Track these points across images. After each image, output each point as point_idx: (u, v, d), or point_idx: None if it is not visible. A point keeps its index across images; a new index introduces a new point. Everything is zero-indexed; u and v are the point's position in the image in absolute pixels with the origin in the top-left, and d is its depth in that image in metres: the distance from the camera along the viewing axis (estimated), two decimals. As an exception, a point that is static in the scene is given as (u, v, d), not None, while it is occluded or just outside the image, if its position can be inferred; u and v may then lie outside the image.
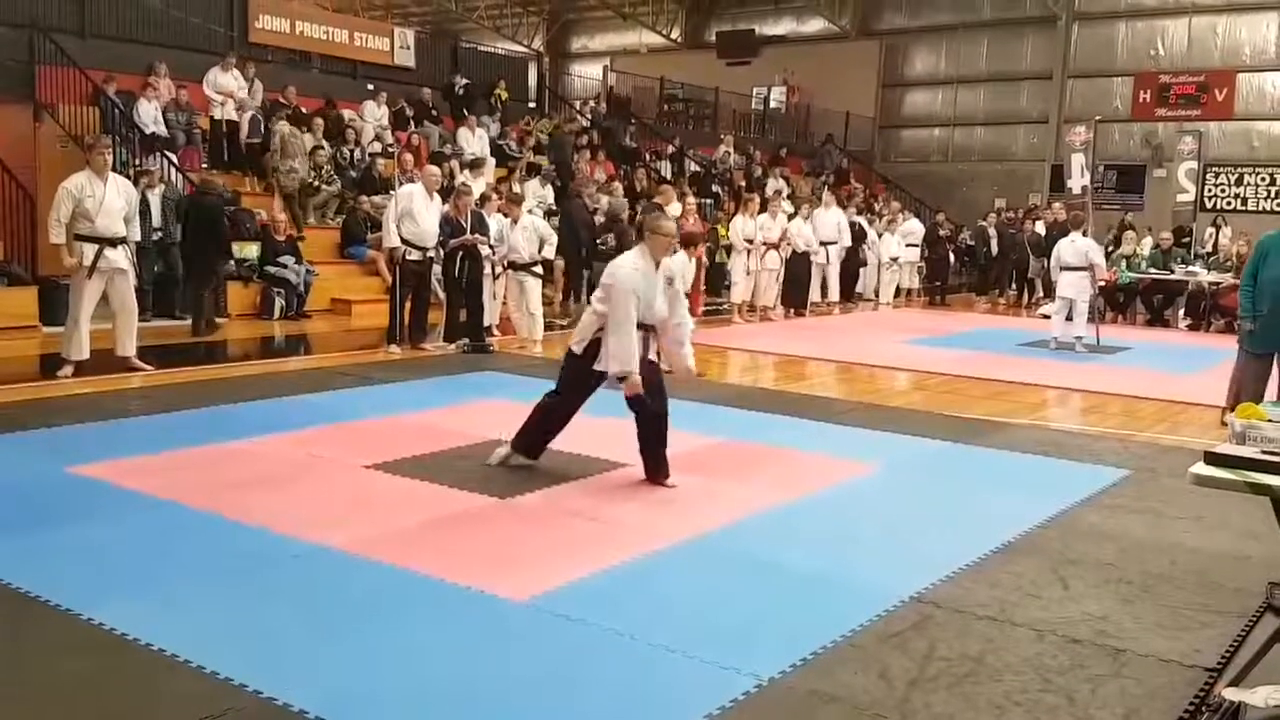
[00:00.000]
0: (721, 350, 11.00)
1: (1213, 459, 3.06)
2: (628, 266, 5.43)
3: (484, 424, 6.64)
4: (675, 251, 6.29)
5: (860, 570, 4.38)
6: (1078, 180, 14.40)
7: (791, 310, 14.23)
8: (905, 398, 8.81)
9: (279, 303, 11.87)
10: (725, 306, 14.31)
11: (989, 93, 23.92)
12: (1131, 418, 8.13)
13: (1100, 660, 3.52)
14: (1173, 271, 14.92)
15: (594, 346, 5.47)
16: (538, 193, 14.80)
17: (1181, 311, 14.98)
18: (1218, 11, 21.12)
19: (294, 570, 4.14)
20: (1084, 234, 11.87)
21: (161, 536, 4.46)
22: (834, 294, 15.32)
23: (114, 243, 8.09)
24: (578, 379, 5.61)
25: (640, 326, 5.41)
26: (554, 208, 14.33)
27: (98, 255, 8.00)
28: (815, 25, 25.80)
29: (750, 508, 5.19)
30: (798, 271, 14.06)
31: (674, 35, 27.45)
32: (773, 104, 25.59)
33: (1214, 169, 20.46)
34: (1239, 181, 20.78)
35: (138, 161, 12.19)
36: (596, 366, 5.45)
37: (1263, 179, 20.54)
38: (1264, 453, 2.95)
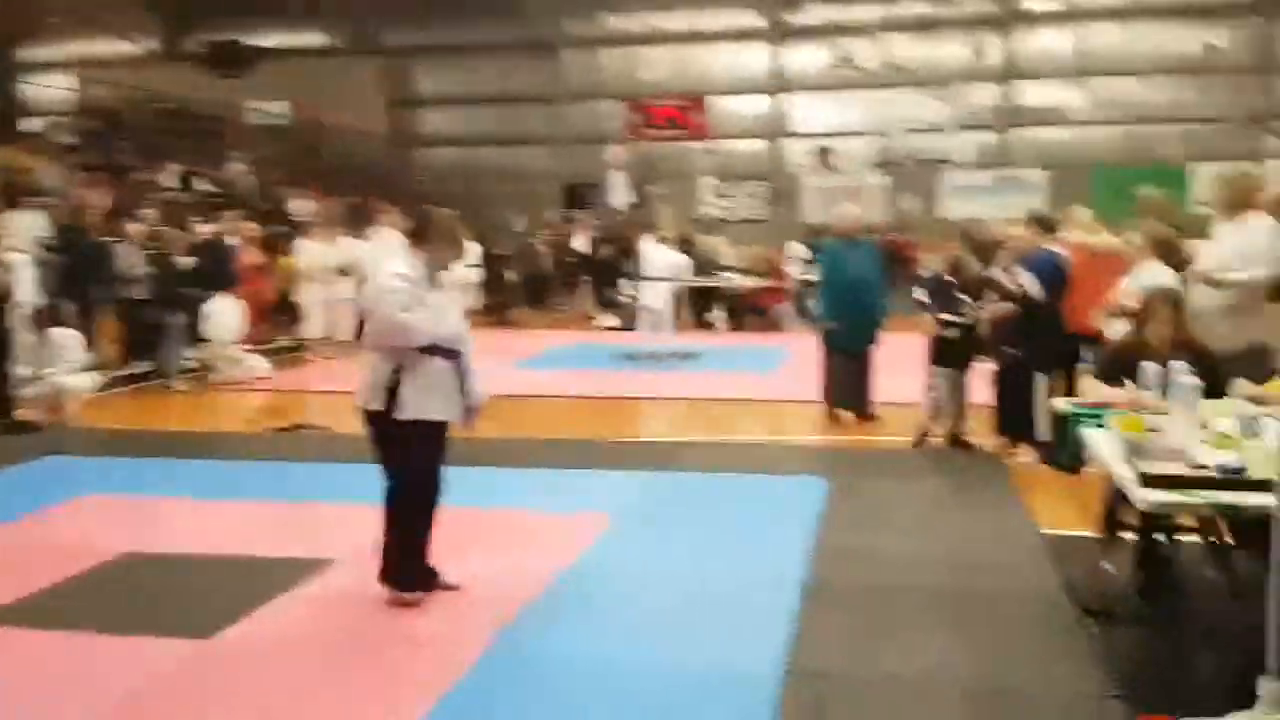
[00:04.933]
0: (305, 394, 9.77)
1: (1153, 481, 3.02)
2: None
3: (100, 532, 5.17)
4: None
5: (703, 655, 3.88)
6: (620, 197, 14.97)
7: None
8: (569, 427, 8.34)
9: None
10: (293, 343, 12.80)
11: (500, 114, 24.31)
12: (791, 420, 8.49)
13: (1042, 713, 3.39)
14: (714, 276, 16.11)
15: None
16: (31, 226, 12.11)
17: (720, 313, 16.17)
18: (691, 41, 23.37)
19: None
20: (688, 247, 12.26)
21: None
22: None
23: None
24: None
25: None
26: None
27: None
28: (314, 39, 24.43)
29: (522, 594, 4.46)
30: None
31: (151, 44, 24.43)
32: (280, 120, 23.77)
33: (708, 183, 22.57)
34: (721, 195, 23.13)
35: None
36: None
37: (748, 193, 23.03)
38: (1224, 472, 2.95)
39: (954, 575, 4.67)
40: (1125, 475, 3.22)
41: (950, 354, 7.13)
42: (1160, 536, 4.40)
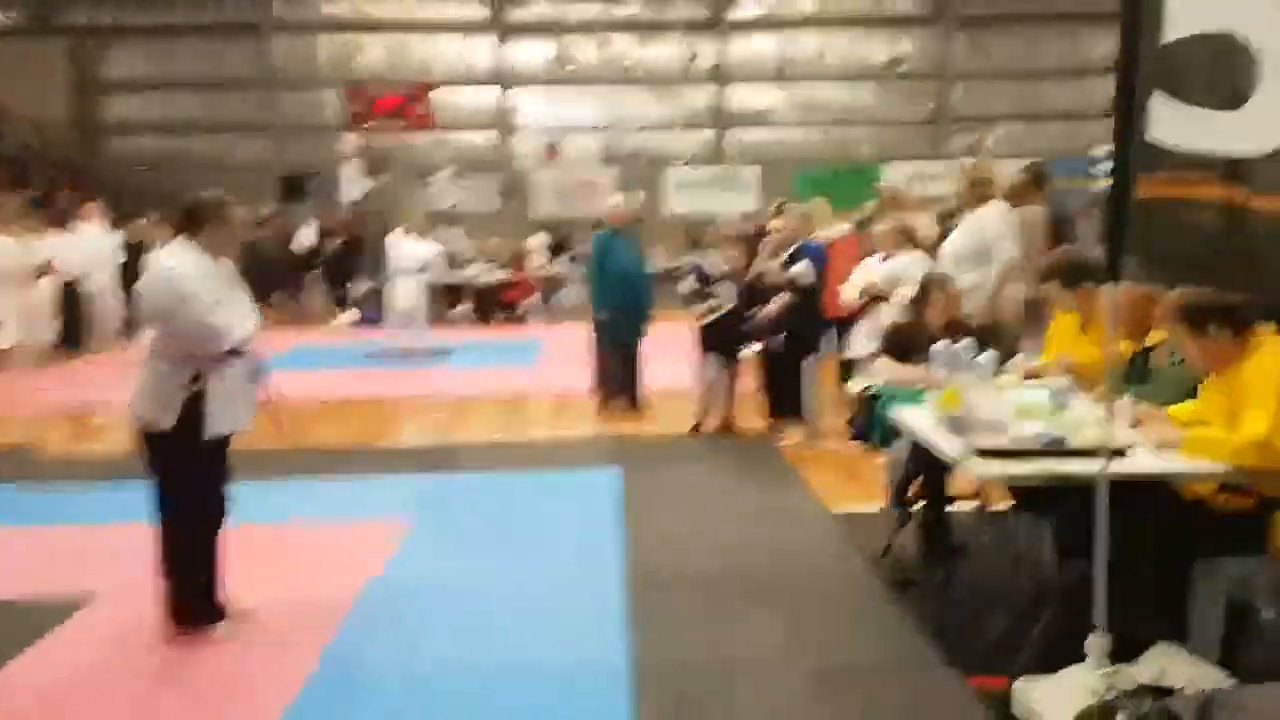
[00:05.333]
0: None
1: (988, 454, 3.23)
2: None
3: None
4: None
5: (546, 655, 3.79)
6: (353, 189, 14.37)
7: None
8: (341, 432, 7.83)
9: None
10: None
11: (204, 100, 22.57)
12: (565, 414, 8.41)
13: (886, 686, 3.53)
14: (464, 269, 15.73)
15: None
16: None
17: (466, 308, 15.82)
18: (411, 29, 22.77)
19: None
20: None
21: None
22: (112, 323, 13.03)
23: None
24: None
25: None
26: None
27: None
28: (-16, 15, 21.63)
29: (336, 612, 4.16)
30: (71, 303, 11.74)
31: None
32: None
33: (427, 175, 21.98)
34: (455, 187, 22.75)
35: None
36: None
37: (480, 186, 22.73)
38: (1047, 443, 3.19)
39: (763, 557, 4.81)
40: (951, 449, 3.43)
41: (718, 341, 7.35)
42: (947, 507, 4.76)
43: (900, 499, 4.69)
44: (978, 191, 6.32)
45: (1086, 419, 3.37)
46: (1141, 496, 3.26)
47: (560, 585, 4.47)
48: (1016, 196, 6.60)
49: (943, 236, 6.96)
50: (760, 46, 24.01)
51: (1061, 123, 23.47)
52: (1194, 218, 2.87)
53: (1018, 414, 3.51)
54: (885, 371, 4.55)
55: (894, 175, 23.59)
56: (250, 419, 4.00)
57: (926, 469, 4.66)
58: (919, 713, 3.36)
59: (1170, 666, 3.06)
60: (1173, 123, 2.82)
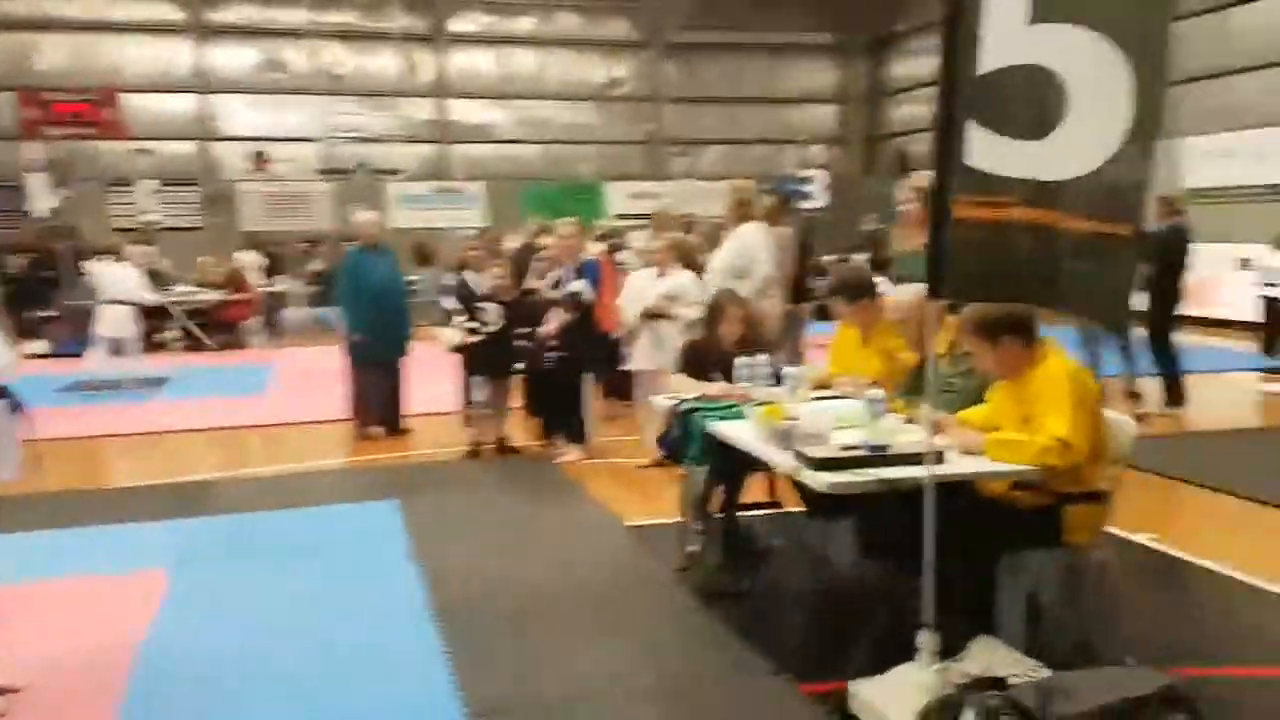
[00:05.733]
0: None
1: (821, 464, 3.32)
2: None
3: None
4: None
5: (370, 704, 3.53)
6: (41, 202, 12.91)
7: None
8: (56, 476, 6.82)
9: None
10: None
11: None
12: (319, 442, 7.85)
13: (729, 698, 3.53)
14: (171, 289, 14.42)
15: None
16: None
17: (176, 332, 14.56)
18: (98, 30, 20.81)
19: None
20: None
21: None
22: None
23: None
24: None
25: None
26: None
27: None
28: None
29: (114, 678, 3.65)
30: None
31: None
32: None
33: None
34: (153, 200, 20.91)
35: None
36: None
37: (180, 199, 20.98)
38: (873, 450, 3.31)
39: (569, 579, 4.71)
40: (782, 461, 3.51)
41: (486, 362, 7.18)
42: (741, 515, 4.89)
43: (702, 511, 4.75)
44: (740, 211, 6.57)
45: (896, 427, 3.56)
46: (945, 498, 3.47)
47: (361, 629, 4.16)
48: (771, 217, 6.94)
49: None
50: (480, 62, 23.92)
51: (762, 147, 25.05)
52: (1004, 238, 3.09)
53: (839, 424, 3.64)
54: (689, 387, 4.59)
55: (616, 194, 24.30)
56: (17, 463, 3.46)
57: (727, 479, 4.77)
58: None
59: (994, 659, 3.26)
60: (988, 149, 3.02)
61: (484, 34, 23.87)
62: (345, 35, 22.36)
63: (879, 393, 3.67)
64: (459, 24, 23.67)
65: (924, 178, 6.60)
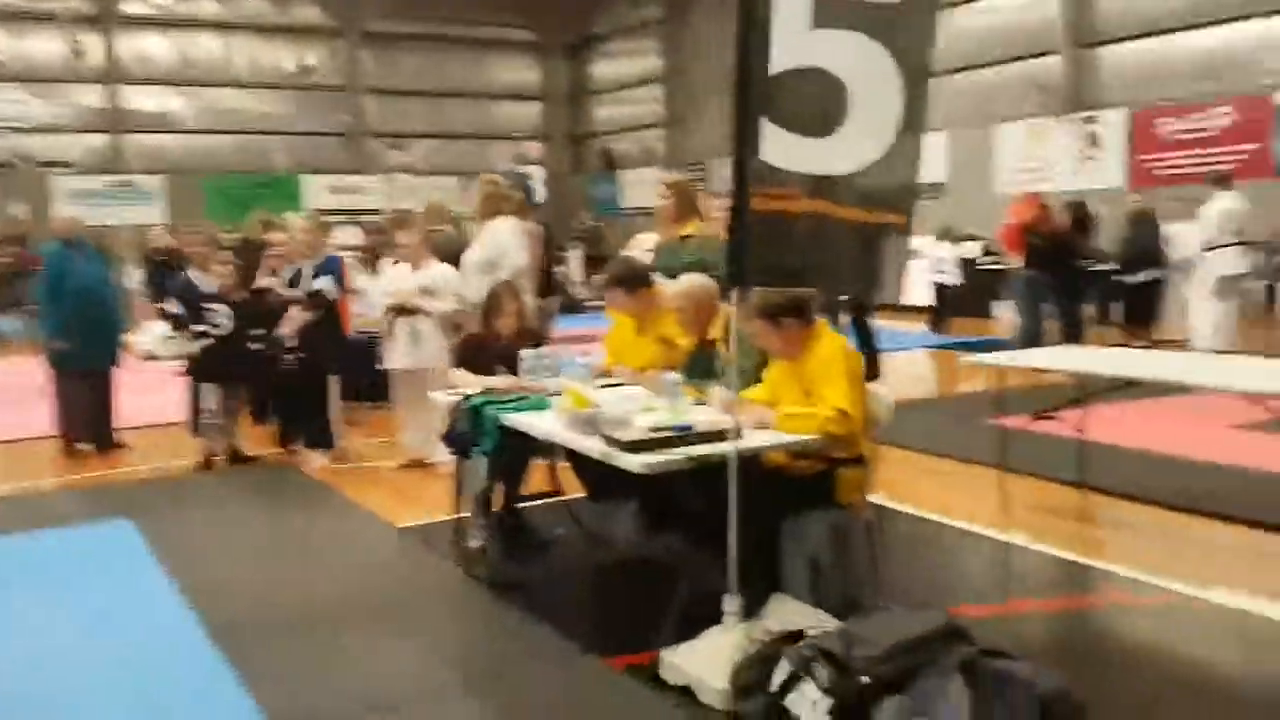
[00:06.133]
0: None
1: (633, 447, 3.44)
2: None
3: None
4: None
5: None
6: None
7: None
8: None
9: None
10: None
11: None
12: (18, 463, 6.98)
13: (545, 683, 3.56)
14: None
15: None
16: None
17: None
18: None
19: None
20: None
21: None
22: None
23: None
24: None
25: None
26: None
27: None
28: None
29: None
30: None
31: None
32: None
33: None
34: None
35: None
36: None
37: None
38: (680, 431, 3.47)
39: (348, 585, 4.55)
40: (593, 447, 3.60)
41: (215, 367, 6.73)
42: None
43: (485, 504, 4.75)
44: (491, 206, 6.57)
45: (692, 408, 3.76)
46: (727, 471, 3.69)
47: (134, 657, 3.81)
48: (521, 211, 6.99)
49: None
50: (156, 46, 22.18)
51: (469, 142, 24.96)
52: (788, 228, 3.34)
53: (642, 409, 3.78)
54: (471, 382, 4.57)
55: (314, 187, 23.31)
56: None
57: (510, 471, 4.80)
58: (583, 700, 3.45)
59: (789, 614, 3.54)
60: (778, 145, 3.27)
61: (160, 16, 22.14)
62: (3, 15, 20.01)
63: (675, 376, 3.85)
64: (131, 5, 21.81)
65: (673, 175, 6.97)
